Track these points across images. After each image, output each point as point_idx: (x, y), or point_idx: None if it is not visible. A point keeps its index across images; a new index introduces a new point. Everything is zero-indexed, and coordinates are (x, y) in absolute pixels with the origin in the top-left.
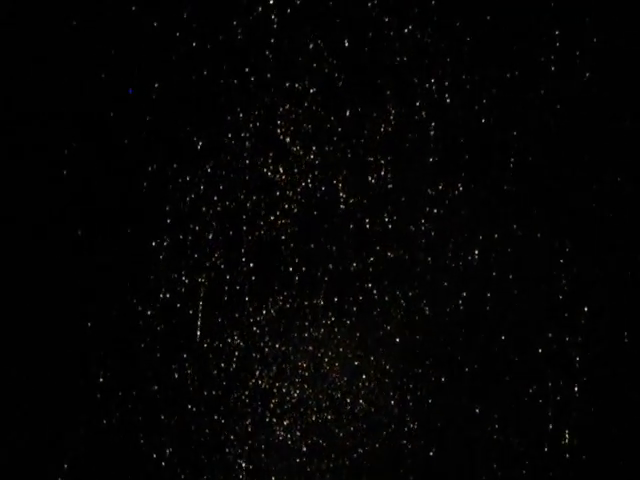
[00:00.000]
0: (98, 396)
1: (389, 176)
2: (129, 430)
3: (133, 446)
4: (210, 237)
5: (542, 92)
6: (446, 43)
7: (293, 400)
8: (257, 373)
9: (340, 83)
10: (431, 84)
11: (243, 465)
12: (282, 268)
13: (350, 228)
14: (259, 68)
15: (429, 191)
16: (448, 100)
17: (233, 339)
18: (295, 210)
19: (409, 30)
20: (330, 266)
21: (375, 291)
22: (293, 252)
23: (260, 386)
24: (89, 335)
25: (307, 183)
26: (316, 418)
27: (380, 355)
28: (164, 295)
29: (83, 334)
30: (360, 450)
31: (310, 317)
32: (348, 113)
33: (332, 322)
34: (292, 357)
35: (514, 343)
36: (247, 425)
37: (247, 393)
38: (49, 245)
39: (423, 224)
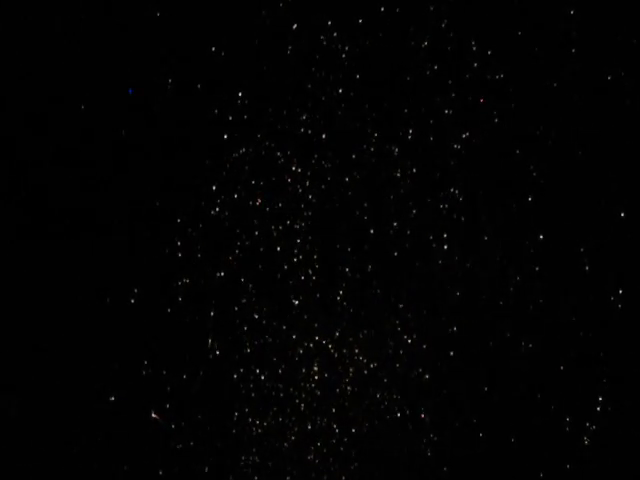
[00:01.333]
0: (109, 400)
1: (407, 178)
2: (139, 435)
3: (142, 451)
4: (223, 240)
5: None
6: (466, 44)
7: (303, 406)
8: (270, 376)
9: (358, 85)
10: (452, 87)
11: (253, 470)
12: (297, 272)
13: (370, 233)
14: (276, 71)
15: (447, 196)
16: (470, 98)
17: (246, 343)
18: (311, 213)
19: (428, 32)
20: (347, 270)
21: (391, 297)
22: (308, 256)
23: (272, 390)
24: (99, 339)
25: (324, 186)
26: (327, 422)
27: (395, 359)
28: (177, 298)
29: (93, 338)
30: (371, 456)
31: (324, 321)
32: (368, 117)
33: (347, 326)
34: (305, 360)
35: (534, 349)
36: (259, 429)
37: (259, 397)
38: (59, 248)
39: (440, 230)
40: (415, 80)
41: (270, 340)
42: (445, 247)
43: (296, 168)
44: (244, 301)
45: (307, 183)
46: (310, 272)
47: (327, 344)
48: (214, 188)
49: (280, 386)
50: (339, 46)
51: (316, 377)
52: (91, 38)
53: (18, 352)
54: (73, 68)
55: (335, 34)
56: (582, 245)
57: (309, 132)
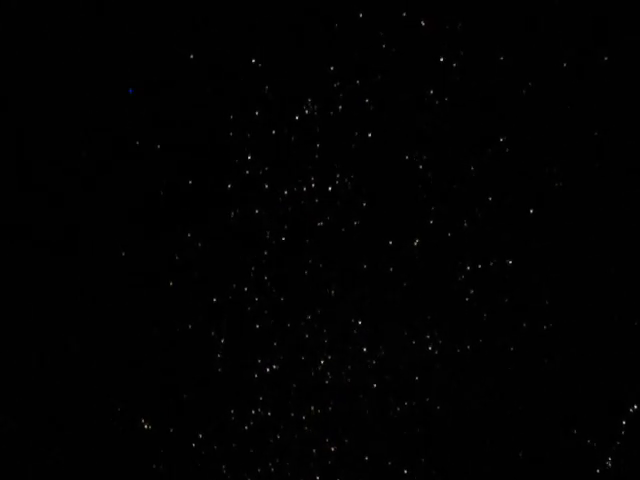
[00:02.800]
0: (119, 407)
1: (426, 192)
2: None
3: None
4: (234, 252)
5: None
6: (487, 55)
7: (312, 430)
8: (279, 395)
9: (376, 97)
10: (472, 98)
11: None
12: (310, 288)
13: (389, 250)
14: (292, 81)
15: (466, 211)
16: (490, 109)
17: (255, 359)
18: (326, 229)
19: (446, 44)
20: (364, 287)
21: (407, 314)
22: (322, 272)
23: (280, 408)
24: (109, 348)
25: (339, 203)
26: (337, 444)
27: (410, 377)
28: (187, 313)
29: (101, 346)
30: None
31: (338, 337)
32: (385, 130)
33: (361, 344)
34: (318, 378)
35: (556, 370)
36: (265, 447)
37: (267, 414)
38: (61, 251)
39: (459, 248)
40: (434, 92)
41: (281, 358)
42: (468, 268)
43: (311, 181)
44: (254, 318)
45: (322, 198)
46: (325, 289)
47: (340, 361)
48: (226, 199)
49: (290, 404)
50: (356, 55)
51: (327, 398)
52: (91, 38)
53: (18, 353)
54: (73, 68)
55: (351, 45)
56: (607, 265)
57: (325, 144)
